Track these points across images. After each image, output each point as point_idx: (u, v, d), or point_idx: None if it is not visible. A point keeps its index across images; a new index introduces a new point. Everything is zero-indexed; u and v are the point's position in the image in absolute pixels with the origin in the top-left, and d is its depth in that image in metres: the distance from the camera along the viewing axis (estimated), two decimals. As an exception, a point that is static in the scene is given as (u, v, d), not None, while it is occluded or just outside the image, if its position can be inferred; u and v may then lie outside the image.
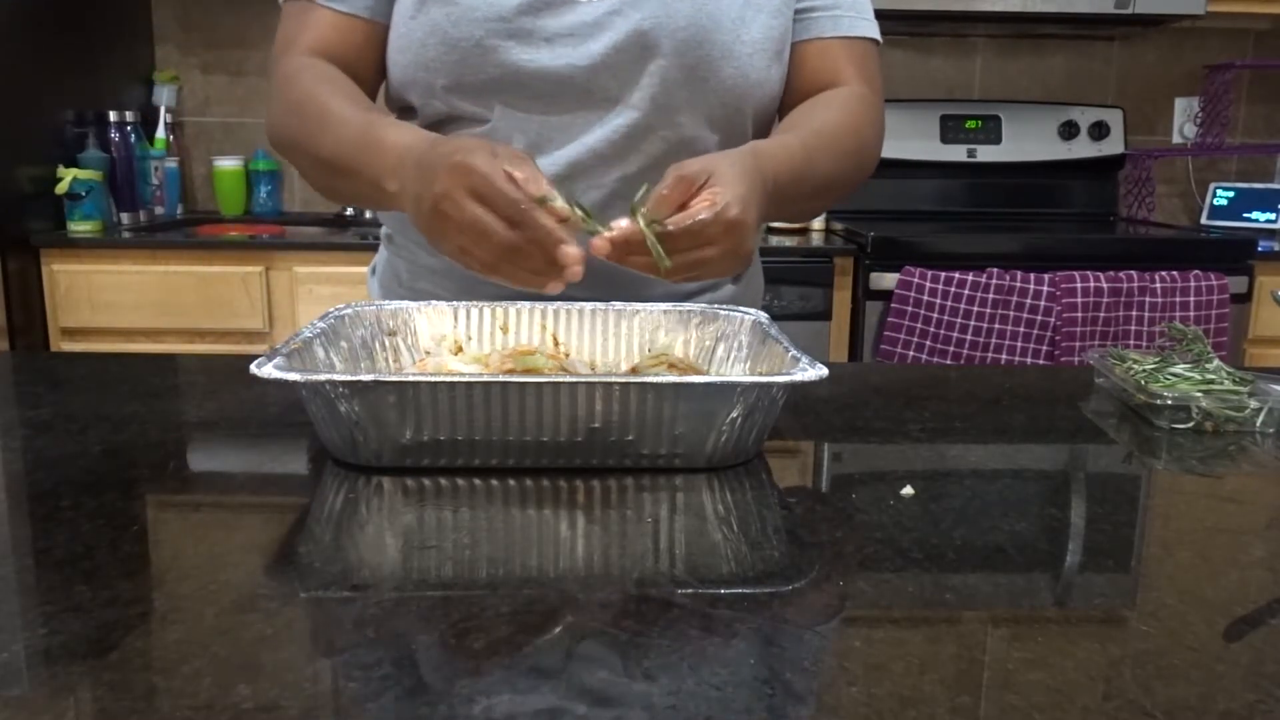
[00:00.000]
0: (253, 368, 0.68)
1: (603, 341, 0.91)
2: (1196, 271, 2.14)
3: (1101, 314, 2.11)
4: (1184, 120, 2.83)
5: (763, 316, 0.87)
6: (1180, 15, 2.41)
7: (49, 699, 0.42)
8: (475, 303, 0.91)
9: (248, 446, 0.78)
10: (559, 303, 0.90)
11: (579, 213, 0.74)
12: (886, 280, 2.17)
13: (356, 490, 0.67)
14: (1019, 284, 2.10)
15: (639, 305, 0.90)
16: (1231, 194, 2.74)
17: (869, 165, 1.02)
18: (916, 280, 2.13)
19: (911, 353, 2.15)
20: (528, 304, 0.90)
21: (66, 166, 2.27)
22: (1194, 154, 2.82)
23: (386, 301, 0.91)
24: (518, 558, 0.57)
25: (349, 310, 0.87)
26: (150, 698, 0.42)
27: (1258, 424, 0.84)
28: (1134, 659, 0.47)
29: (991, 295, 2.11)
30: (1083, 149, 2.72)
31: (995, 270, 2.11)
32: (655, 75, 0.92)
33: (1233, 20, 2.67)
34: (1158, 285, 2.12)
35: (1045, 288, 2.10)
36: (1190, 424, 0.84)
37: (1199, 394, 0.85)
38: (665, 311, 0.90)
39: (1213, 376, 0.87)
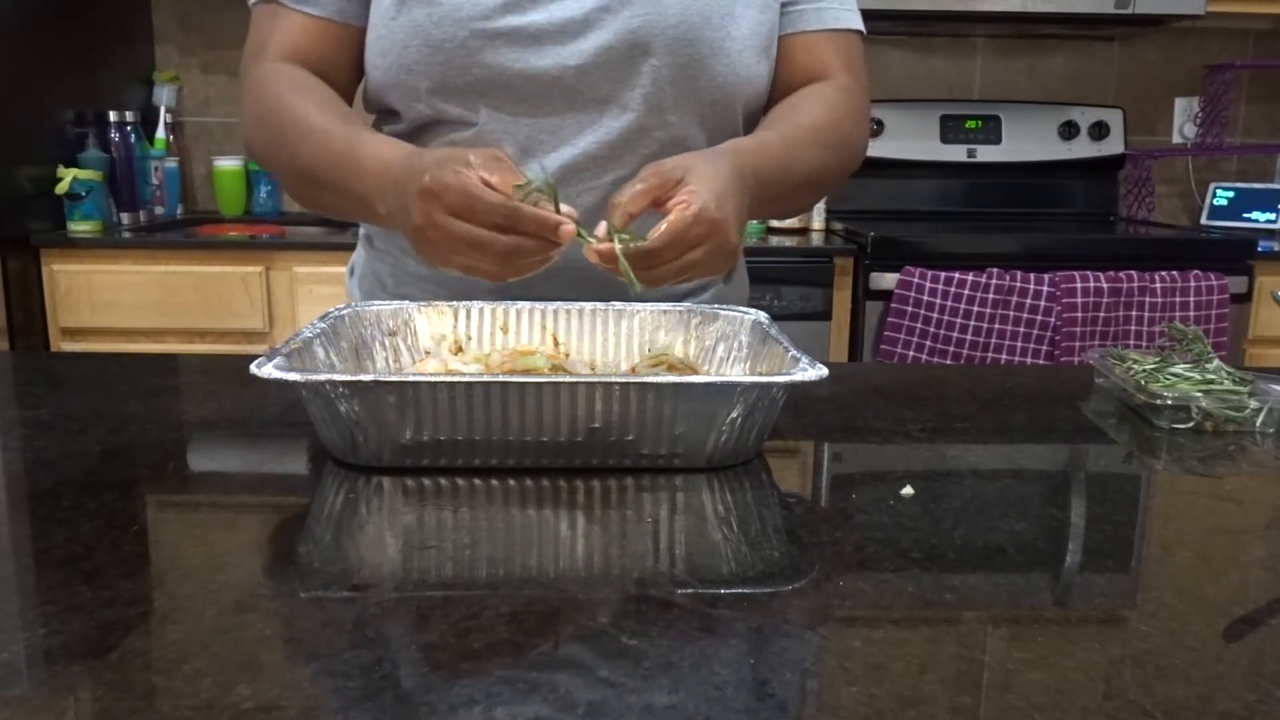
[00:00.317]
0: (253, 368, 0.68)
1: (603, 341, 0.90)
2: (1196, 271, 2.14)
3: (1101, 314, 2.11)
4: (1184, 120, 2.83)
5: (763, 316, 0.87)
6: (1180, 15, 2.41)
7: (49, 699, 0.42)
8: (475, 303, 0.91)
9: (248, 446, 0.78)
10: (559, 303, 0.90)
11: (553, 191, 0.74)
12: (886, 280, 2.17)
13: (356, 490, 0.67)
14: (1019, 284, 2.10)
15: (639, 305, 0.90)
16: (1231, 194, 2.74)
17: (855, 158, 1.02)
18: (916, 280, 2.13)
19: (911, 353, 2.15)
20: (528, 304, 0.90)
21: (66, 166, 2.27)
22: (1194, 154, 2.82)
23: (387, 301, 0.91)
24: (518, 558, 0.57)
25: (349, 310, 0.87)
26: (150, 698, 0.42)
27: (1258, 424, 0.84)
28: (1134, 659, 0.47)
29: (991, 295, 2.11)
30: (1083, 149, 2.72)
31: (995, 270, 2.11)
32: (647, 75, 0.91)
33: (1233, 20, 2.67)
34: (1158, 285, 2.12)
35: (1045, 288, 2.10)
36: (1190, 424, 0.84)
37: (1199, 394, 0.85)
38: (665, 311, 0.90)
39: (1213, 376, 0.87)
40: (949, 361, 2.11)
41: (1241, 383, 0.87)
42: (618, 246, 0.74)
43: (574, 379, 0.68)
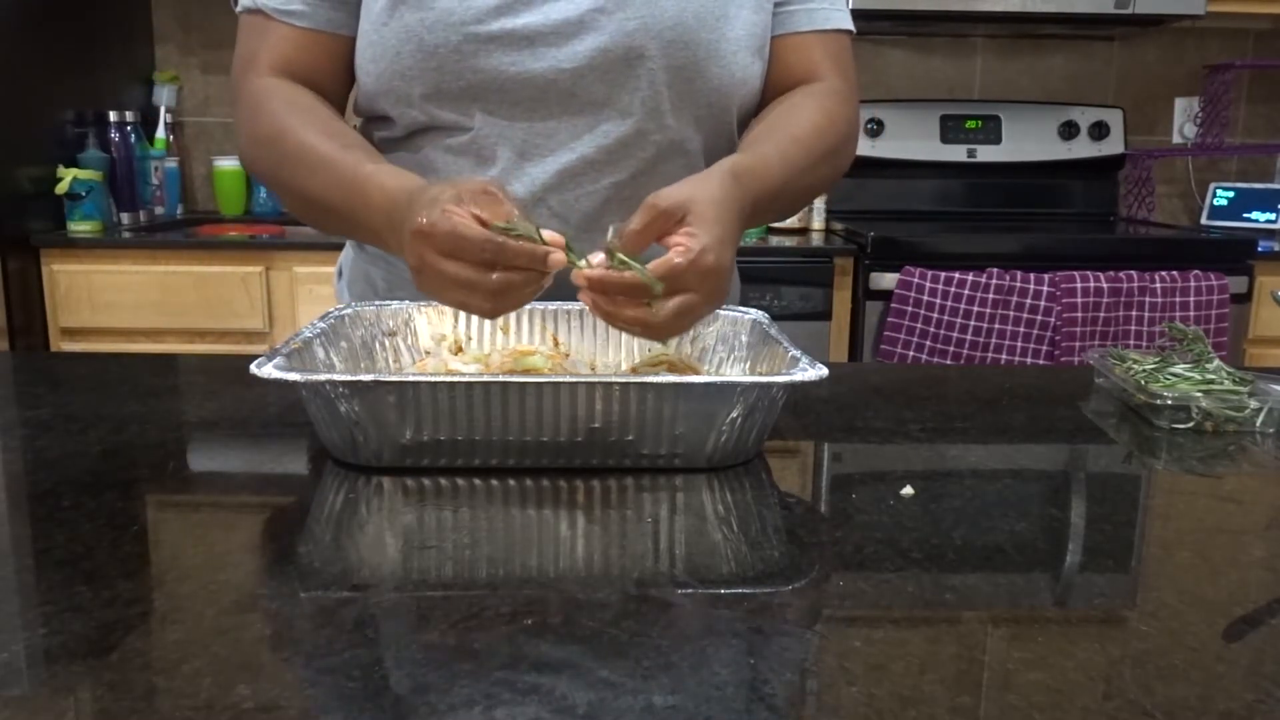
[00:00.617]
0: (253, 368, 0.68)
1: (603, 341, 0.90)
2: (1196, 271, 2.14)
3: (1101, 314, 2.11)
4: (1184, 120, 2.83)
5: (763, 316, 0.87)
6: (1180, 15, 2.41)
7: (49, 699, 0.42)
8: (475, 303, 0.90)
9: (248, 446, 0.78)
10: (559, 303, 0.90)
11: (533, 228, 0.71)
12: (886, 280, 2.17)
13: (356, 490, 0.67)
14: (1019, 284, 2.10)
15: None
16: (1231, 194, 2.74)
17: (845, 163, 1.01)
18: (916, 280, 2.13)
19: (911, 353, 2.15)
20: (528, 304, 0.90)
21: (66, 166, 2.27)
22: (1194, 154, 2.82)
23: (387, 301, 0.91)
24: (518, 558, 0.57)
25: (349, 310, 0.87)
26: (150, 698, 0.42)
27: (1258, 424, 0.84)
28: (1134, 659, 0.47)
29: (991, 295, 2.11)
30: (1083, 149, 2.72)
31: (995, 270, 2.11)
32: (643, 78, 0.91)
33: (1233, 20, 2.67)
34: (1158, 285, 2.12)
35: (1045, 288, 2.10)
36: (1190, 424, 0.84)
37: (1199, 394, 0.85)
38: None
39: (1213, 376, 0.87)
40: (949, 361, 2.11)
41: (1241, 383, 0.87)
42: (617, 260, 0.71)
43: (574, 379, 0.68)
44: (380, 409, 0.67)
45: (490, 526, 0.62)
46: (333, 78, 0.97)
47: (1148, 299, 2.11)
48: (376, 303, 0.90)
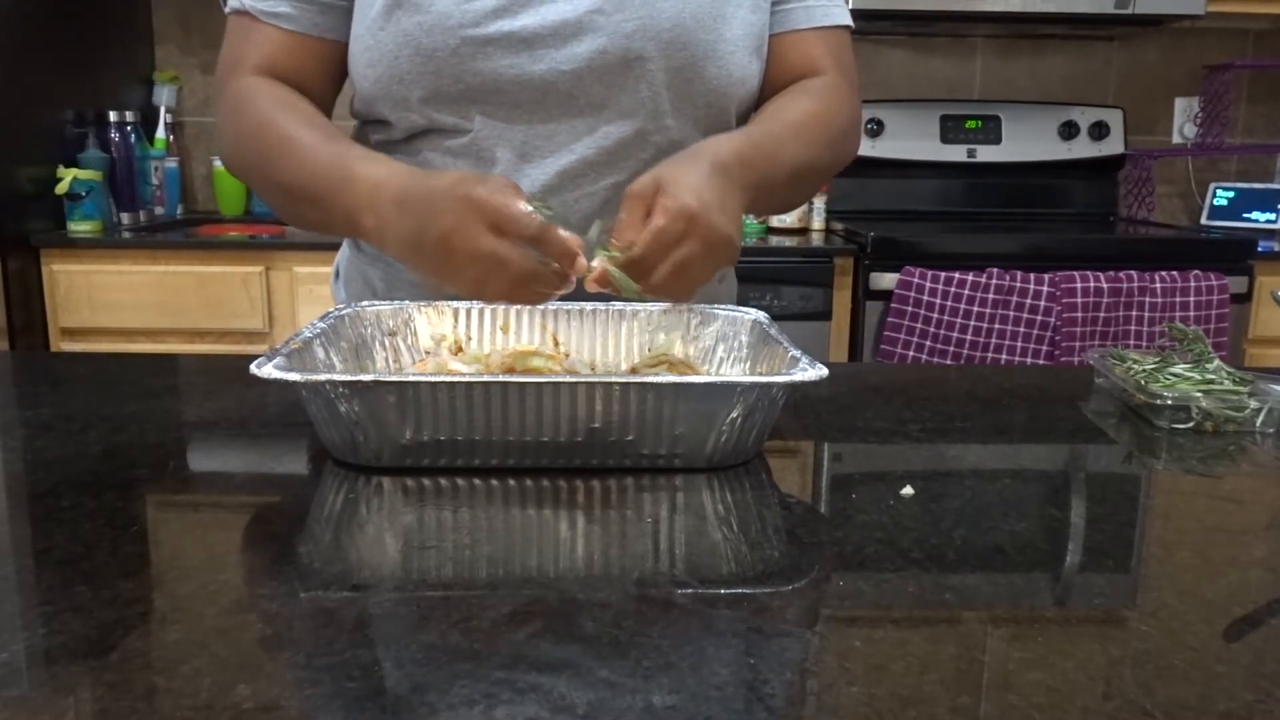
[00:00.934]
0: (253, 368, 0.68)
1: (603, 341, 0.91)
2: (1196, 271, 2.14)
3: (1101, 314, 2.11)
4: (1184, 120, 2.83)
5: (763, 316, 0.87)
6: (1180, 15, 2.41)
7: (49, 699, 0.42)
8: (475, 303, 0.91)
9: (248, 446, 0.78)
10: (559, 303, 0.90)
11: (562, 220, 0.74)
12: (886, 280, 2.17)
13: (356, 490, 0.67)
14: (1019, 284, 2.10)
15: (639, 305, 0.90)
16: (1231, 194, 2.74)
17: (846, 152, 1.01)
18: (916, 280, 2.13)
19: (911, 353, 2.15)
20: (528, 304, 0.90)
21: (66, 166, 2.27)
22: (1194, 154, 2.82)
23: (387, 301, 0.91)
24: (518, 558, 0.57)
25: (349, 310, 0.87)
26: (150, 698, 0.42)
27: (1258, 424, 0.84)
28: (1134, 659, 0.47)
29: (991, 295, 2.11)
30: (1083, 149, 2.72)
31: (995, 270, 2.11)
32: (642, 79, 0.91)
33: (1233, 20, 2.67)
34: (1158, 285, 2.12)
35: (1045, 288, 2.10)
36: (1190, 424, 0.84)
37: (1199, 394, 0.85)
38: (665, 311, 0.90)
39: (1213, 376, 0.87)
40: (949, 361, 2.11)
41: (1241, 383, 0.87)
42: (605, 261, 0.73)
43: (574, 379, 0.68)
44: (380, 409, 0.67)
45: (490, 526, 0.62)
46: (318, 81, 0.97)
47: (1148, 299, 2.11)
48: (376, 303, 0.90)
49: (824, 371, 0.69)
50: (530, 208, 0.71)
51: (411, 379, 0.67)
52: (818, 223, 2.59)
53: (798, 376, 0.69)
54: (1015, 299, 2.11)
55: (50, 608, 0.50)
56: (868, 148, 2.66)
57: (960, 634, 0.49)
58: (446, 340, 0.90)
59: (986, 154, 2.71)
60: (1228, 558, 0.60)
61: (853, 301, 2.25)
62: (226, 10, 0.97)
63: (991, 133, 2.71)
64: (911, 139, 2.69)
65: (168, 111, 2.63)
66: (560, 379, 0.68)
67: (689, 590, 0.53)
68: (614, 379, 0.68)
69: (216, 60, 1.01)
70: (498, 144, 0.92)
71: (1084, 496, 0.71)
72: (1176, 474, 0.76)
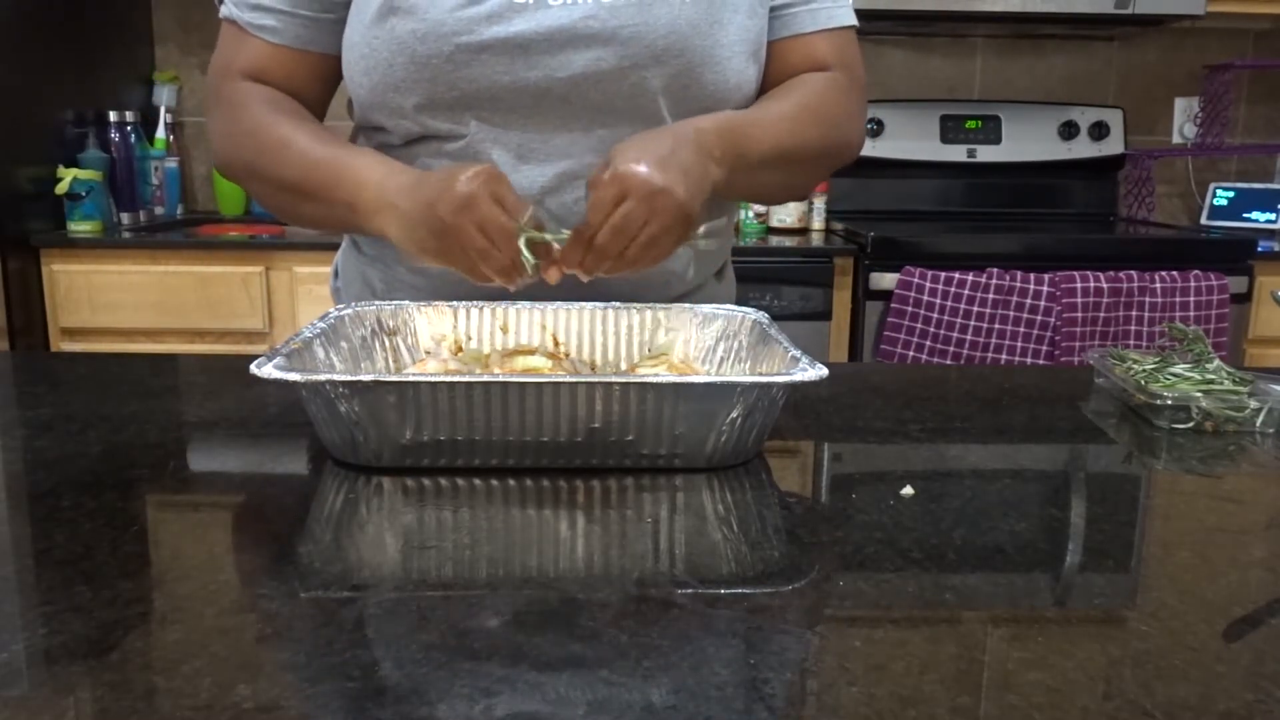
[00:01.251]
0: (253, 368, 0.68)
1: (603, 341, 0.90)
2: (1196, 271, 2.14)
3: (1101, 314, 2.11)
4: (1184, 120, 2.83)
5: (763, 316, 0.87)
6: (1180, 15, 2.41)
7: (49, 699, 0.42)
8: (475, 303, 0.91)
9: (248, 446, 0.78)
10: (559, 303, 0.90)
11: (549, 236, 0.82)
12: (886, 280, 2.17)
13: (356, 490, 0.67)
14: (1019, 284, 2.10)
15: (639, 305, 0.90)
16: (1231, 194, 2.74)
17: (840, 140, 1.00)
18: (916, 280, 2.13)
19: (911, 353, 2.15)
20: (528, 304, 0.90)
21: (66, 166, 2.27)
22: (1194, 154, 2.82)
23: (387, 301, 0.91)
24: (518, 558, 0.57)
25: (349, 310, 0.87)
26: (150, 698, 0.42)
27: (1258, 424, 0.84)
28: (1134, 659, 0.47)
29: (991, 295, 2.11)
30: (1083, 149, 2.72)
31: (995, 270, 2.11)
32: (639, 86, 0.90)
33: (1233, 20, 2.67)
34: (1158, 285, 2.12)
35: (1045, 288, 2.10)
36: (1190, 424, 0.84)
37: (1199, 394, 0.85)
38: (665, 311, 0.90)
39: (1213, 376, 0.87)
40: (949, 361, 2.11)
41: (1241, 383, 0.87)
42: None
43: (574, 379, 0.68)
44: (380, 409, 0.67)
45: (490, 526, 0.62)
46: (308, 90, 0.99)
47: (1148, 299, 2.11)
48: (376, 303, 0.90)
49: (824, 371, 0.69)
50: (525, 222, 0.80)
51: (411, 379, 0.67)
52: (818, 223, 2.58)
53: (798, 376, 0.69)
54: (1015, 299, 2.11)
55: (50, 608, 0.50)
56: (868, 148, 2.66)
57: (960, 634, 0.49)
58: (446, 340, 0.90)
59: (986, 154, 2.71)
60: (1228, 558, 0.60)
61: (853, 301, 2.25)
62: (220, 14, 0.98)
63: (991, 133, 2.71)
64: (911, 139, 2.69)
65: (168, 111, 2.63)
66: (560, 379, 0.68)
67: (689, 590, 0.53)
68: (614, 379, 0.68)
69: (213, 62, 1.02)
70: (494, 148, 0.92)
71: (1084, 496, 0.71)
72: (1176, 474, 0.76)
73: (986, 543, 0.60)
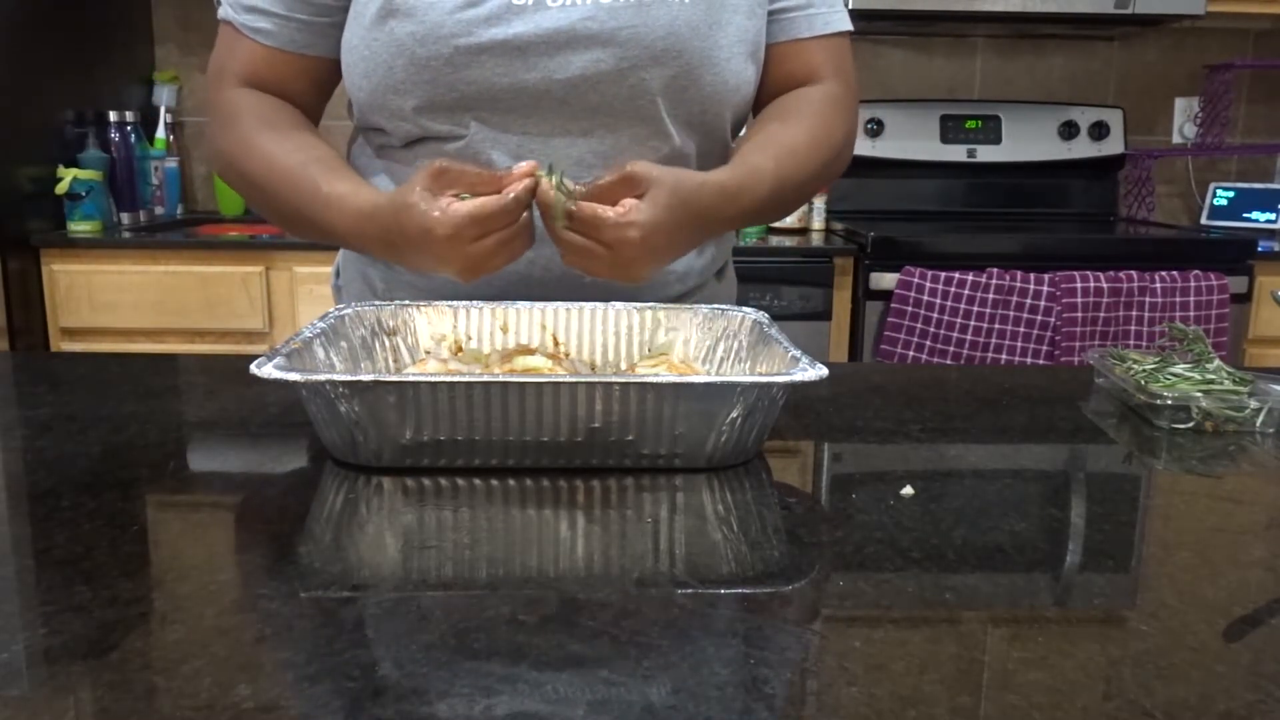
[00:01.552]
0: (253, 368, 0.68)
1: (603, 341, 0.90)
2: (1196, 271, 2.14)
3: (1101, 314, 2.11)
4: (1184, 120, 2.83)
5: (763, 316, 0.87)
6: (1180, 15, 2.41)
7: (49, 699, 0.42)
8: (475, 303, 0.91)
9: (248, 446, 0.78)
10: (559, 303, 0.90)
11: (558, 186, 0.82)
12: (886, 280, 2.17)
13: (356, 490, 0.67)
14: (1019, 284, 2.10)
15: (639, 305, 0.90)
16: (1231, 194, 2.74)
17: (841, 165, 1.03)
18: (916, 280, 2.13)
19: (911, 353, 2.15)
20: (528, 304, 0.90)
21: (66, 166, 2.27)
22: (1194, 154, 2.82)
23: (387, 301, 0.91)
24: (518, 558, 0.57)
25: (349, 310, 0.87)
26: (150, 698, 0.42)
27: (1258, 424, 0.84)
28: (1134, 659, 0.47)
29: (991, 295, 2.11)
30: (1083, 149, 2.72)
31: (995, 270, 2.11)
32: (638, 87, 0.90)
33: (1233, 20, 2.67)
34: (1158, 285, 2.12)
35: (1045, 288, 2.10)
36: (1190, 424, 0.84)
37: (1199, 394, 0.85)
38: (665, 311, 0.90)
39: (1213, 376, 0.87)
40: (949, 361, 2.11)
41: (1241, 383, 0.87)
42: (554, 186, 0.80)
43: (574, 379, 0.68)
44: (380, 409, 0.67)
45: (490, 526, 0.62)
46: (302, 93, 0.99)
47: (1148, 299, 2.11)
48: (376, 303, 0.90)
49: (824, 371, 0.69)
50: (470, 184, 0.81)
51: (411, 379, 0.67)
52: (818, 223, 2.59)
53: (798, 376, 0.69)
54: (1015, 299, 2.11)
55: (50, 608, 0.50)
56: (868, 148, 2.66)
57: (960, 634, 0.49)
58: (446, 340, 0.90)
59: (986, 154, 2.71)
60: (1228, 558, 0.60)
61: (853, 301, 2.25)
62: (219, 15, 0.98)
63: (991, 133, 2.71)
64: (911, 139, 2.69)
65: (168, 111, 2.63)
66: (560, 379, 0.68)
67: (689, 590, 0.53)
68: (614, 379, 0.68)
69: (215, 61, 1.02)
70: (493, 148, 0.92)
71: (1084, 496, 0.71)
72: (1176, 474, 0.76)
73: (986, 543, 0.60)
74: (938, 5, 2.38)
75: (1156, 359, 0.92)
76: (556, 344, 0.90)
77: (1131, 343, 2.11)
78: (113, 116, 2.41)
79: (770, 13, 0.98)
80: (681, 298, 1.02)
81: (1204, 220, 2.76)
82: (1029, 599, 0.54)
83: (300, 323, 2.18)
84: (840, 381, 0.98)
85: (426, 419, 0.68)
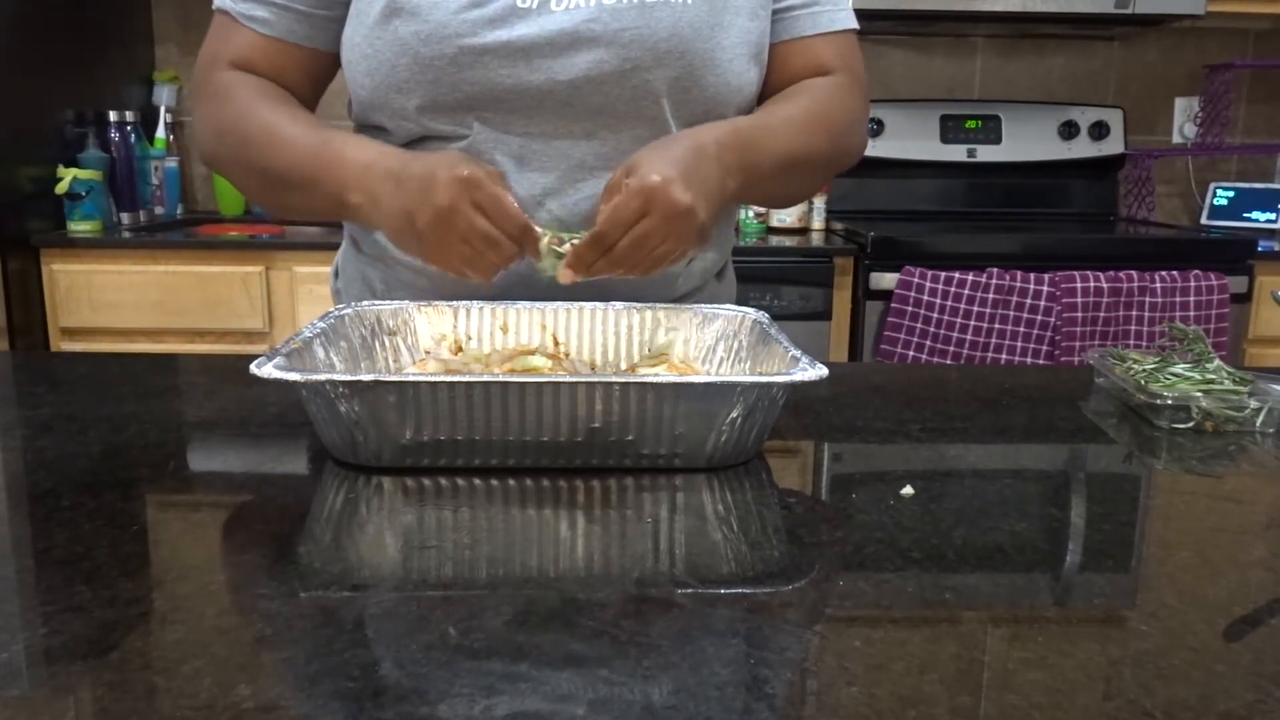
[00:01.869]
0: (253, 368, 0.68)
1: (603, 341, 0.91)
2: (1196, 271, 2.14)
3: (1101, 314, 2.11)
4: (1184, 120, 2.83)
5: (763, 316, 0.87)
6: (1180, 15, 2.41)
7: (49, 699, 0.42)
8: (475, 303, 0.91)
9: (248, 446, 0.78)
10: (559, 303, 0.90)
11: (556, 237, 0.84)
12: (886, 280, 2.17)
13: (356, 490, 0.67)
14: (1019, 284, 2.10)
15: (639, 305, 0.90)
16: (1231, 194, 2.74)
17: (847, 146, 1.01)
18: (916, 280, 2.13)
19: (911, 353, 2.15)
20: (527, 304, 0.90)
21: (66, 166, 2.27)
22: (1194, 154, 2.82)
23: (387, 301, 0.91)
24: (518, 558, 0.57)
25: (349, 310, 0.87)
26: (150, 698, 0.42)
27: (1258, 424, 0.84)
28: (1134, 659, 0.47)
29: (991, 295, 2.11)
30: (1083, 149, 2.72)
31: (995, 270, 2.11)
32: (641, 88, 0.90)
33: (1233, 20, 2.67)
34: (1158, 285, 2.12)
35: (1045, 288, 2.10)
36: (1190, 424, 0.84)
37: (1199, 394, 0.85)
38: (665, 311, 0.90)
39: (1213, 376, 0.87)
40: (949, 361, 2.11)
41: (1241, 383, 0.87)
42: (544, 240, 0.81)
43: (574, 379, 0.68)
44: (380, 409, 0.67)
45: (490, 526, 0.62)
46: (296, 85, 0.98)
47: (1148, 299, 2.11)
48: (376, 303, 0.90)
49: (824, 371, 0.69)
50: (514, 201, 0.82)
51: (411, 379, 0.67)
52: (818, 222, 2.59)
53: (798, 376, 0.69)
54: (1015, 299, 2.11)
55: (50, 608, 0.50)
56: (868, 147, 2.66)
57: (960, 634, 0.49)
58: (446, 340, 0.90)
59: (986, 154, 2.71)
60: (1228, 558, 0.60)
61: (853, 301, 2.25)
62: (214, 6, 0.98)
63: (991, 133, 2.71)
64: (911, 139, 2.69)
65: (168, 111, 2.63)
66: (560, 379, 0.68)
67: (689, 590, 0.53)
68: (614, 379, 0.68)
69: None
70: (495, 149, 0.92)
71: (1084, 496, 0.71)
72: (1176, 474, 0.76)
73: (986, 543, 0.60)
74: (938, 5, 2.38)
75: (1156, 359, 0.92)
76: (556, 344, 0.90)
77: (1131, 343, 2.11)
78: (113, 116, 2.41)
79: (775, 12, 0.98)
80: (682, 298, 1.02)
81: (1204, 220, 2.76)
82: (1029, 599, 0.54)
83: (300, 323, 2.18)
84: (840, 381, 0.98)
85: (426, 419, 0.68)
